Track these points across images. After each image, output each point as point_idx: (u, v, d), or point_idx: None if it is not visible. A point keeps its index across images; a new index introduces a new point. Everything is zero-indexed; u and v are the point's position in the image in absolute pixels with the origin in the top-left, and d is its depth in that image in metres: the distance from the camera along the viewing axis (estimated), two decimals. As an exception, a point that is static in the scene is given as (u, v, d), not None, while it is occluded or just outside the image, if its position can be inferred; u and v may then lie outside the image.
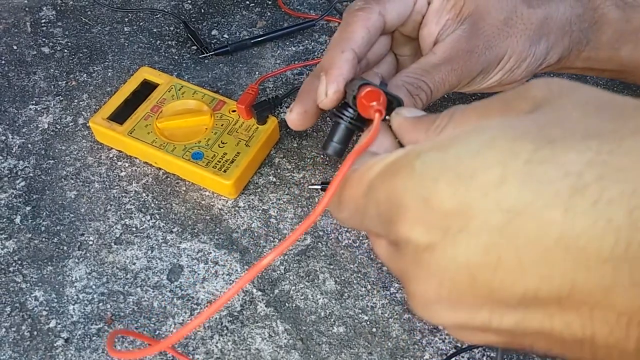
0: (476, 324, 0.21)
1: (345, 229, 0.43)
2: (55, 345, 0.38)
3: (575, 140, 0.18)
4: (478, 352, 0.38)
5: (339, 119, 0.32)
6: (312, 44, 0.56)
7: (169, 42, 0.56)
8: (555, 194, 0.17)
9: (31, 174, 0.47)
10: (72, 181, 0.46)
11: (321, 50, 0.55)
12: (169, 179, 0.46)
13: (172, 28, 0.57)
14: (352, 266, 0.42)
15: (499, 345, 0.22)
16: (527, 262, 0.18)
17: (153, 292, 0.41)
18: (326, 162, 0.47)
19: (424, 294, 0.21)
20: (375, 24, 0.36)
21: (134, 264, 0.42)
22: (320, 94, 0.34)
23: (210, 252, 0.42)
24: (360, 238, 0.43)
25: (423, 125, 0.26)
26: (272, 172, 0.47)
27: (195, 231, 0.43)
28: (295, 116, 0.36)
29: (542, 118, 0.20)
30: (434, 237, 0.20)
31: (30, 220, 0.44)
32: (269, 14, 0.59)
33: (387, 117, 0.30)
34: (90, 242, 0.43)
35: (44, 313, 0.40)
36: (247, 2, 0.60)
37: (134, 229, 0.44)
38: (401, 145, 0.29)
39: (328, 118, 0.41)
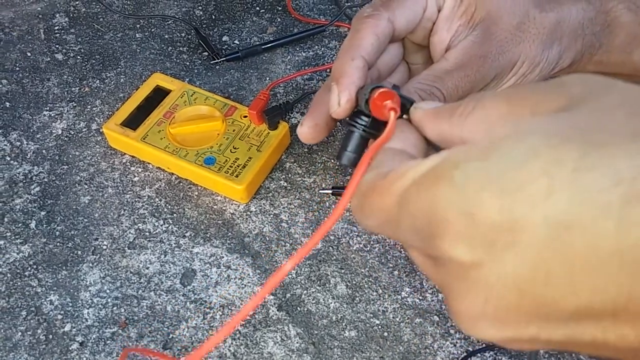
0: (524, 338, 0.20)
1: (356, 234, 0.44)
2: (70, 348, 0.39)
3: (623, 143, 0.17)
4: (489, 357, 0.38)
5: (353, 127, 0.31)
6: (322, 49, 0.56)
7: (181, 49, 0.57)
8: (607, 203, 0.17)
9: (46, 179, 0.47)
10: (86, 186, 0.47)
11: (331, 56, 0.56)
12: (181, 184, 0.47)
13: (183, 34, 0.58)
14: (363, 270, 0.42)
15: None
16: (579, 276, 0.17)
17: (166, 296, 0.41)
18: (337, 167, 0.47)
19: (469, 311, 0.20)
20: (384, 31, 0.35)
21: (148, 268, 0.42)
22: (332, 104, 0.33)
23: (223, 257, 0.43)
24: (371, 242, 0.43)
25: (446, 113, 0.25)
26: (283, 176, 0.47)
27: (208, 235, 0.44)
28: (306, 129, 0.35)
29: (583, 120, 0.19)
30: (479, 254, 0.19)
31: (45, 225, 0.45)
32: (279, 19, 0.59)
33: (404, 117, 0.29)
34: (104, 247, 0.44)
35: (59, 317, 0.40)
36: (258, 8, 0.60)
37: (147, 234, 0.44)
38: (426, 140, 0.28)
39: (341, 127, 0.40)
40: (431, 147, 0.27)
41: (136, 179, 0.47)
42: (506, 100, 0.22)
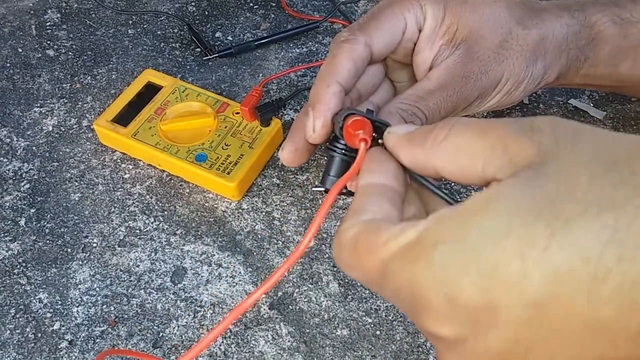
0: None
1: (349, 231, 0.43)
2: (59, 347, 0.38)
3: (590, 217, 0.18)
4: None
5: (333, 152, 0.31)
6: (316, 45, 0.56)
7: (173, 45, 0.56)
8: (577, 283, 0.18)
9: (36, 176, 0.47)
10: (76, 183, 0.46)
11: (325, 52, 0.55)
12: (172, 181, 0.46)
13: (176, 30, 0.58)
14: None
15: None
16: (555, 348, 0.19)
17: (157, 294, 0.41)
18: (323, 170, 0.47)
19: None
20: (360, 55, 0.35)
21: (138, 266, 0.42)
22: (308, 130, 0.33)
23: (214, 254, 0.42)
24: (364, 240, 0.43)
25: (419, 138, 0.25)
26: (276, 174, 0.47)
27: (199, 233, 0.43)
28: (287, 154, 0.35)
29: (551, 185, 0.19)
30: (463, 331, 0.20)
31: (34, 223, 0.44)
32: (272, 16, 0.59)
33: (380, 142, 0.29)
34: (94, 245, 0.43)
35: (48, 315, 0.40)
36: (251, 4, 0.60)
37: (138, 231, 0.44)
38: (403, 166, 0.27)
39: (321, 153, 0.41)
40: (410, 174, 0.27)
41: (127, 176, 0.47)
42: (479, 134, 0.23)
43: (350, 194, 0.37)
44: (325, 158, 0.34)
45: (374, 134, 0.28)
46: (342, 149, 0.31)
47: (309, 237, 0.24)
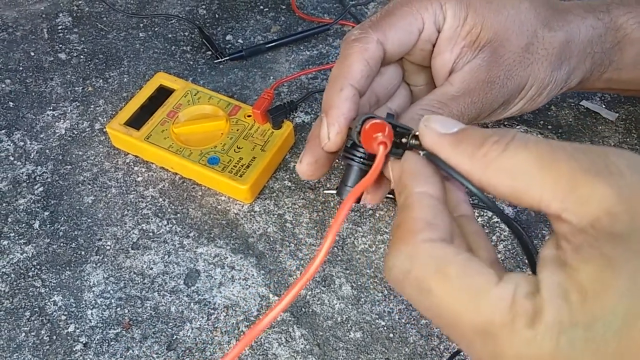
0: None
1: (361, 234, 0.43)
2: (74, 349, 0.39)
3: None
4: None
5: (350, 161, 0.29)
6: (327, 48, 0.56)
7: (184, 48, 0.56)
8: None
9: (49, 180, 0.47)
10: (90, 186, 0.47)
11: (336, 55, 0.55)
12: (185, 183, 0.46)
13: (187, 33, 0.58)
14: (368, 271, 0.42)
15: None
16: None
17: (170, 297, 0.41)
18: (341, 167, 0.47)
19: None
20: (373, 55, 0.33)
21: (151, 268, 0.42)
22: (322, 137, 0.31)
23: (227, 257, 0.43)
24: (377, 243, 0.43)
25: (467, 148, 0.23)
26: (288, 176, 0.47)
27: (212, 236, 0.44)
28: (305, 167, 0.33)
29: None
30: None
31: (48, 225, 0.45)
32: (283, 18, 0.59)
33: (404, 146, 0.27)
34: (108, 247, 0.43)
35: (63, 317, 0.40)
36: (262, 7, 0.60)
37: (151, 234, 0.44)
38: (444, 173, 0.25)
39: (340, 161, 0.38)
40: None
41: (140, 178, 0.47)
42: (541, 161, 0.21)
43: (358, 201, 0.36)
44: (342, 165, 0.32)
45: (395, 140, 0.27)
46: (360, 157, 0.29)
47: (325, 249, 0.23)
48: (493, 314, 0.20)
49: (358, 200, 0.28)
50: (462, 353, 0.38)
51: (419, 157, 0.26)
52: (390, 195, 0.45)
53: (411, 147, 0.26)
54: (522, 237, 0.25)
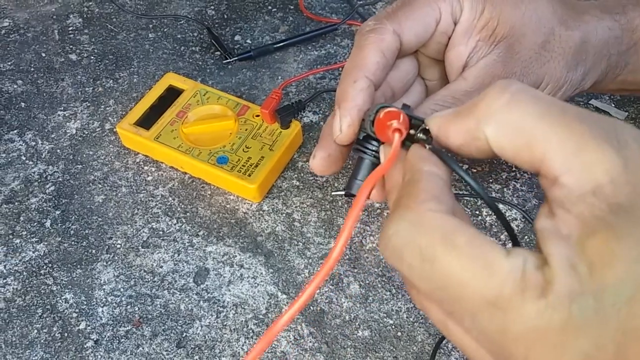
0: None
1: (369, 233, 0.44)
2: (85, 346, 0.39)
3: None
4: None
5: (362, 154, 0.29)
6: (335, 48, 0.56)
7: (193, 48, 0.57)
8: None
9: (60, 179, 0.48)
10: (100, 186, 0.47)
11: (344, 54, 0.56)
12: (194, 183, 0.47)
13: (195, 34, 0.58)
14: (376, 270, 0.42)
15: None
16: None
17: (180, 294, 0.41)
18: (350, 167, 0.47)
19: None
20: (389, 46, 0.32)
21: (161, 267, 0.43)
22: (335, 129, 0.30)
23: (236, 256, 0.43)
24: (384, 242, 0.43)
25: (468, 107, 0.22)
26: (296, 176, 0.47)
27: (221, 234, 0.44)
28: (318, 161, 0.32)
29: None
30: None
31: (60, 224, 0.45)
32: (291, 18, 0.59)
33: (416, 138, 0.26)
34: (118, 246, 0.44)
35: (74, 315, 0.41)
36: (270, 8, 0.60)
37: (161, 233, 0.44)
38: (445, 160, 0.24)
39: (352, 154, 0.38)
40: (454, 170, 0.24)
41: (149, 178, 0.47)
42: (548, 118, 0.20)
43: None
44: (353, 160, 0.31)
45: (410, 132, 0.26)
46: (373, 150, 0.29)
47: (340, 246, 0.22)
48: (503, 285, 0.19)
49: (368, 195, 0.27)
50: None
51: (426, 149, 0.25)
52: None
53: (418, 140, 0.26)
54: (516, 240, 0.25)
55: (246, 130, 0.47)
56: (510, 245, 0.42)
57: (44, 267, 0.43)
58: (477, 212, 0.44)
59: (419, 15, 0.33)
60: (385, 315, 0.40)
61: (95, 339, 0.39)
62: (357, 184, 0.29)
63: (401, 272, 0.22)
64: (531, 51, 0.34)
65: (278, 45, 0.55)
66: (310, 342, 0.39)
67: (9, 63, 0.56)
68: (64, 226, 0.45)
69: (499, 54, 0.33)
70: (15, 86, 0.55)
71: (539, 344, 0.19)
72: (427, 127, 0.25)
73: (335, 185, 0.46)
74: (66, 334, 0.40)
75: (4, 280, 0.42)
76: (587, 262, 0.19)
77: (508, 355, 0.20)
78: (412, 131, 0.26)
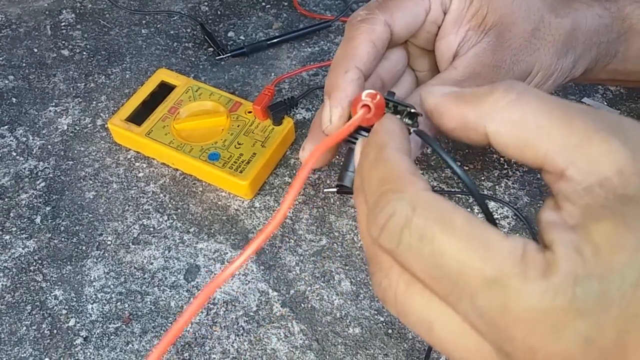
0: None
1: (361, 230, 0.43)
2: (74, 343, 0.39)
3: None
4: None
5: (353, 144, 0.28)
6: (328, 44, 0.56)
7: (186, 44, 0.57)
8: None
9: (51, 175, 0.47)
10: (91, 182, 0.47)
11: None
12: (186, 179, 0.47)
13: (189, 30, 0.58)
14: (367, 267, 0.42)
15: None
16: None
17: (170, 291, 0.41)
18: (341, 164, 0.47)
19: None
20: (380, 36, 0.32)
21: (152, 263, 0.42)
22: (324, 120, 0.30)
23: (227, 252, 0.43)
24: (376, 239, 0.43)
25: (473, 97, 0.22)
26: (288, 172, 0.47)
27: (212, 231, 0.44)
28: (307, 154, 0.32)
29: None
30: None
31: (50, 220, 0.45)
32: (284, 15, 0.59)
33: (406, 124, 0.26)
34: (109, 242, 0.44)
35: (64, 312, 0.40)
36: (263, 4, 0.60)
37: (152, 229, 0.44)
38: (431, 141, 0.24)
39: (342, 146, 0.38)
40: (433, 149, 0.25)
41: (141, 174, 0.47)
42: (552, 113, 0.20)
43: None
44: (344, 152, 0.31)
45: (397, 117, 0.26)
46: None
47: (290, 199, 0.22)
48: (503, 263, 0.19)
49: (344, 192, 0.27)
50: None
51: (399, 121, 0.25)
52: None
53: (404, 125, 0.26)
54: (494, 221, 0.25)
55: (238, 126, 0.47)
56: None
57: (34, 263, 0.43)
58: (469, 210, 0.44)
59: (409, 5, 0.33)
60: (376, 312, 0.40)
61: (84, 336, 0.39)
62: (349, 176, 0.29)
63: (395, 254, 0.21)
64: (521, 39, 0.34)
65: (271, 41, 0.55)
66: (300, 339, 0.39)
67: (1, 58, 0.56)
68: (54, 222, 0.45)
69: (489, 42, 0.33)
70: (6, 81, 0.54)
71: (539, 325, 0.18)
72: (412, 111, 0.26)
73: (327, 182, 0.46)
74: (55, 331, 0.40)
75: (-7, 277, 0.42)
76: (592, 246, 0.18)
77: (507, 337, 0.19)
78: (397, 116, 0.26)
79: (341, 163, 0.29)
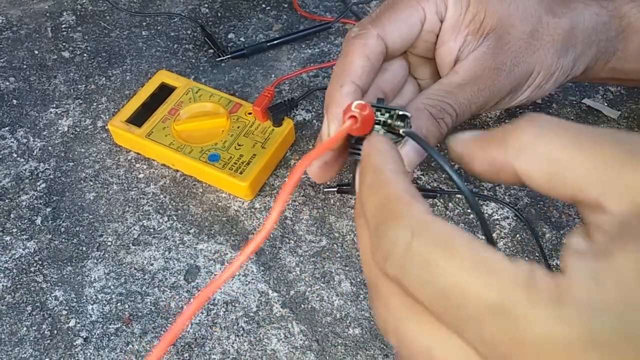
0: None
1: (361, 231, 0.43)
2: (74, 344, 0.39)
3: None
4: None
5: (356, 156, 0.29)
6: (328, 46, 0.56)
7: (187, 46, 0.57)
8: None
9: (51, 176, 0.48)
10: (91, 183, 0.47)
11: (337, 52, 0.56)
12: (186, 180, 0.47)
13: (189, 32, 0.58)
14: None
15: None
16: None
17: (170, 292, 0.41)
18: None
19: None
20: (374, 50, 0.32)
21: (152, 264, 0.42)
22: (323, 135, 0.31)
23: (227, 253, 0.43)
24: (376, 240, 0.43)
25: (496, 138, 0.22)
26: (288, 173, 0.47)
27: (212, 232, 0.44)
28: (315, 170, 0.32)
29: None
30: None
31: (50, 222, 0.45)
32: (284, 17, 0.59)
33: (398, 128, 0.27)
34: (109, 243, 0.44)
35: (64, 312, 0.40)
36: (263, 6, 0.60)
37: (152, 230, 0.44)
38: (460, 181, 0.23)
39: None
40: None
41: (141, 175, 0.47)
42: (576, 143, 0.19)
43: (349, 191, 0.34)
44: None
45: (388, 121, 0.26)
46: (361, 150, 0.28)
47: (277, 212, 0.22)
48: (510, 288, 0.18)
49: (344, 191, 0.27)
50: None
51: (389, 140, 0.25)
52: None
53: (395, 127, 0.26)
54: (488, 231, 0.24)
55: (238, 127, 0.47)
56: (501, 243, 0.42)
57: (34, 264, 0.43)
58: (469, 211, 0.44)
59: (403, 17, 0.33)
60: (376, 313, 0.40)
61: (84, 337, 0.39)
62: None
63: (402, 283, 0.21)
64: (520, 41, 0.34)
65: (271, 43, 0.55)
66: (300, 339, 0.39)
67: (2, 60, 0.56)
68: (54, 223, 0.45)
69: (489, 45, 0.34)
70: (7, 83, 0.54)
71: (552, 356, 0.17)
72: (401, 113, 0.26)
73: (327, 182, 0.46)
74: (56, 332, 0.40)
75: (-6, 278, 0.42)
76: (616, 275, 0.17)
77: None
78: (389, 120, 0.27)
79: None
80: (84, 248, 0.43)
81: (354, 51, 0.32)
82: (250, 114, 0.48)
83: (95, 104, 0.52)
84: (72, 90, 0.53)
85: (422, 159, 0.32)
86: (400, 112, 0.26)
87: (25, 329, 0.40)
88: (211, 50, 0.56)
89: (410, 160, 0.31)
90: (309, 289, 0.41)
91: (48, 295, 0.41)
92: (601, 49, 0.37)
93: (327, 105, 0.32)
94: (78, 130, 0.51)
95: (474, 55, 0.34)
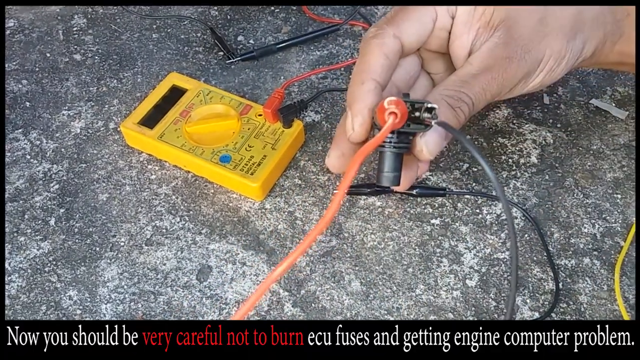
0: None
1: (371, 231, 0.44)
2: (89, 343, 0.39)
3: None
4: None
5: (381, 148, 0.31)
6: (337, 48, 0.57)
7: (197, 48, 0.57)
8: None
9: (64, 177, 0.48)
10: (104, 184, 0.48)
11: (345, 54, 0.56)
12: (197, 181, 0.47)
13: (199, 34, 0.59)
14: (377, 267, 0.42)
15: None
16: None
17: (183, 292, 0.42)
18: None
19: None
20: (392, 49, 0.35)
21: (164, 264, 0.43)
22: (348, 129, 0.33)
23: (238, 253, 0.43)
24: (386, 240, 0.44)
25: None
26: (298, 174, 0.47)
27: (224, 232, 0.44)
28: (333, 160, 0.35)
29: None
30: None
31: (64, 222, 0.46)
32: (293, 19, 0.60)
33: (410, 124, 0.29)
34: (122, 244, 0.44)
35: (78, 312, 0.41)
36: (272, 8, 0.61)
37: (164, 231, 0.45)
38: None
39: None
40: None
41: (153, 177, 0.48)
42: None
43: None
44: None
45: (415, 114, 0.29)
46: (389, 142, 0.30)
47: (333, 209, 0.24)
48: None
49: (398, 183, 0.30)
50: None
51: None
52: (399, 192, 0.45)
53: (423, 119, 0.29)
54: (512, 219, 0.27)
55: (249, 129, 0.47)
56: (509, 244, 0.43)
57: (48, 264, 0.43)
58: (478, 211, 0.45)
59: (416, 16, 0.36)
60: (386, 312, 0.40)
61: (99, 336, 0.40)
62: (386, 176, 0.31)
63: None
64: (529, 29, 0.36)
65: (281, 45, 0.56)
66: (311, 339, 0.39)
67: (14, 63, 0.57)
68: (68, 224, 0.45)
69: (500, 36, 0.36)
70: (20, 86, 0.55)
71: None
72: (429, 106, 0.29)
73: (337, 184, 0.47)
74: (70, 331, 0.40)
75: (9, 278, 0.43)
76: None
77: None
78: (416, 113, 0.29)
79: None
80: (98, 248, 0.44)
81: (373, 50, 0.35)
82: (260, 115, 0.48)
83: (107, 106, 0.53)
84: (84, 93, 0.54)
85: (441, 150, 0.34)
86: (429, 105, 0.29)
87: (40, 328, 0.40)
88: (221, 53, 0.56)
89: (430, 149, 0.33)
90: (320, 288, 0.41)
91: (62, 295, 0.42)
92: (608, 32, 0.39)
93: (349, 102, 0.34)
94: (90, 132, 0.51)
95: (487, 47, 0.36)
